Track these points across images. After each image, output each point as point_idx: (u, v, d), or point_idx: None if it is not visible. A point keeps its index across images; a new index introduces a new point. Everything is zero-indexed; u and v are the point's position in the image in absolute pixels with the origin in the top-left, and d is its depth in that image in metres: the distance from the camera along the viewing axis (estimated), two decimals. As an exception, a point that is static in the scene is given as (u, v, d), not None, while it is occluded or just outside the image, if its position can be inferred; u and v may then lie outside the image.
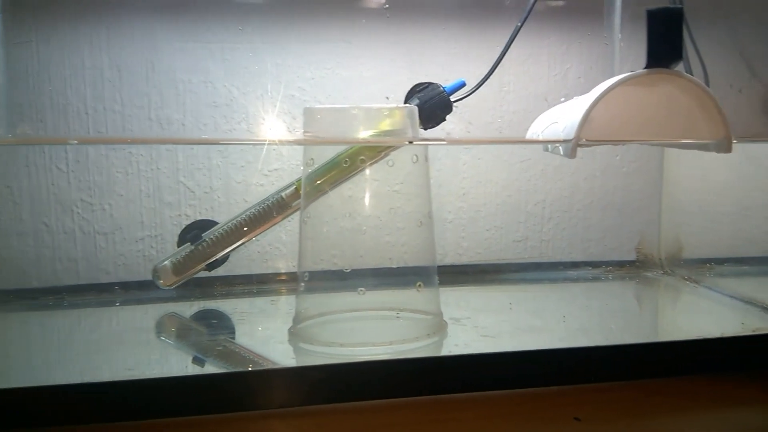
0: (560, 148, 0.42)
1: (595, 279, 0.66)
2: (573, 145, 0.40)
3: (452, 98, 0.60)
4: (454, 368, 0.40)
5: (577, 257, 0.72)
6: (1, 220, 0.64)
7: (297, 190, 0.57)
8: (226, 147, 0.69)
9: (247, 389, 0.38)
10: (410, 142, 0.45)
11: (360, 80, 0.71)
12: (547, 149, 0.46)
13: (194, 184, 0.68)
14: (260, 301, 0.59)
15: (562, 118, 0.43)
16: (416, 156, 0.46)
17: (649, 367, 0.41)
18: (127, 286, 0.63)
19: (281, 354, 0.46)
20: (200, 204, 0.68)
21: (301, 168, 0.55)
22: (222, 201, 0.69)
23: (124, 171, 0.67)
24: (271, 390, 0.38)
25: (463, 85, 0.61)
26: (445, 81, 0.59)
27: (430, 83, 0.59)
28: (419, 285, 0.46)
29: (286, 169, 0.69)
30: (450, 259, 0.70)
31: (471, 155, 0.72)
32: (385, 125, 0.48)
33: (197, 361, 0.45)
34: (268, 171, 0.69)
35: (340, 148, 0.49)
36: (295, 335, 0.47)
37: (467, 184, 0.71)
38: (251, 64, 0.69)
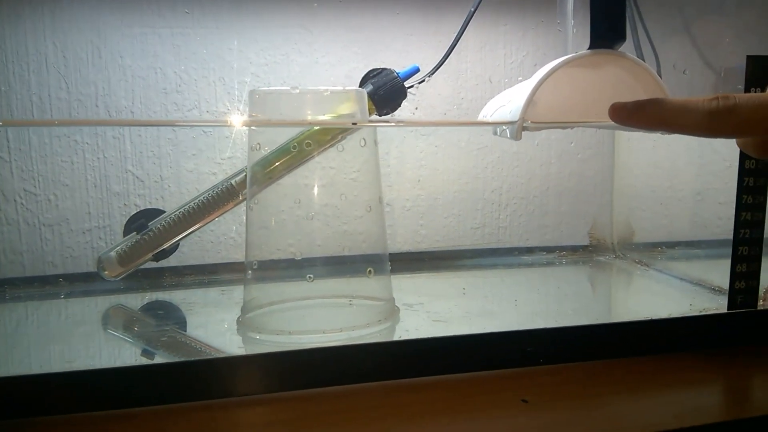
0: (507, 130, 0.42)
1: (549, 264, 0.66)
2: (518, 127, 0.39)
3: (407, 84, 0.59)
4: (403, 353, 0.39)
5: (534, 243, 0.72)
6: (-60, 212, 0.62)
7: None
8: (177, 135, 0.67)
9: (193, 379, 0.37)
10: (354, 124, 0.44)
11: (315, 66, 0.70)
12: (496, 133, 0.45)
13: (143, 173, 0.67)
14: (211, 292, 0.58)
15: (510, 101, 0.43)
16: (364, 140, 0.46)
17: (598, 349, 0.41)
18: (72, 278, 0.61)
19: (230, 344, 0.45)
20: (150, 193, 0.67)
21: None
22: (173, 190, 0.67)
23: (69, 160, 0.65)
24: (218, 379, 0.37)
25: (417, 70, 0.60)
26: (402, 67, 0.58)
27: (384, 69, 0.59)
28: (370, 271, 0.46)
29: (239, 157, 0.67)
30: (408, 247, 0.69)
31: (428, 143, 0.71)
32: (336, 109, 0.47)
33: (146, 353, 0.44)
34: (221, 159, 0.68)
35: (289, 134, 0.48)
36: (243, 325, 0.46)
37: (425, 171, 0.71)
38: (202, 49, 0.67)
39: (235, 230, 0.68)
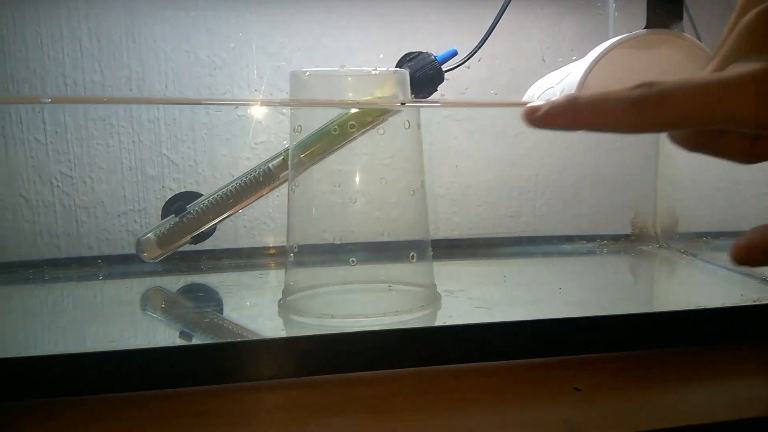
0: (558, 113, 0.40)
1: (590, 253, 0.65)
2: (572, 109, 0.38)
3: (444, 67, 0.58)
4: (450, 339, 0.39)
5: (571, 232, 0.71)
6: (-22, 193, 0.62)
7: (285, 161, 0.55)
8: (211, 119, 0.67)
9: (236, 360, 0.36)
10: (402, 104, 0.44)
11: (348, 51, 0.69)
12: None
13: (178, 157, 0.66)
14: (248, 276, 0.58)
15: (559, 83, 0.42)
16: (408, 122, 0.45)
17: (650, 338, 0.40)
18: (110, 260, 0.61)
19: (271, 326, 0.44)
20: (184, 177, 0.66)
21: (285, 140, 0.53)
22: (207, 174, 0.67)
23: (105, 143, 0.65)
24: (261, 361, 0.37)
25: (455, 53, 0.59)
26: (435, 52, 0.57)
27: (421, 52, 0.58)
28: (413, 256, 0.45)
29: (272, 141, 0.67)
30: (442, 234, 0.69)
31: (463, 128, 0.70)
32: (377, 91, 0.46)
33: (184, 335, 0.44)
34: (255, 144, 0.67)
35: (330, 115, 0.48)
36: (284, 308, 0.45)
37: (459, 158, 0.70)
38: (235, 33, 0.67)
39: (268, 215, 0.68)
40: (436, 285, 0.47)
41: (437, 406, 0.34)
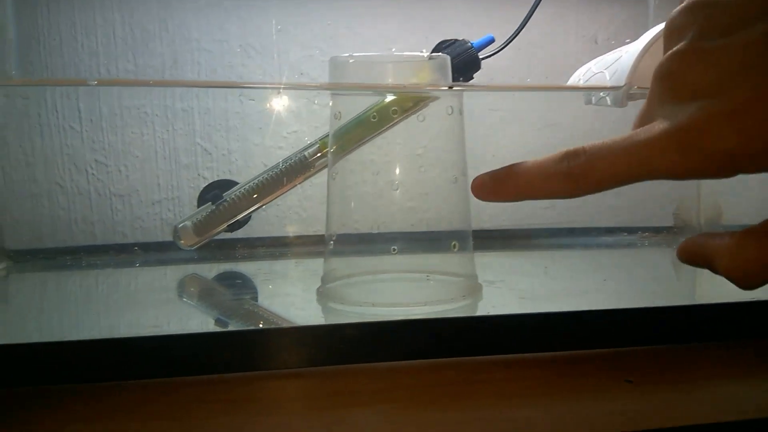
0: (608, 97, 0.39)
1: (631, 245, 0.63)
2: (624, 92, 0.37)
3: (480, 55, 0.57)
4: (496, 329, 0.38)
5: (609, 225, 0.69)
6: (15, 180, 0.62)
7: (321, 149, 0.55)
8: (244, 108, 0.67)
9: (276, 347, 0.36)
10: (450, 87, 0.43)
11: (381, 39, 0.68)
12: (590, 102, 0.43)
13: (211, 146, 0.66)
14: (284, 264, 0.57)
15: (609, 67, 0.41)
16: (451, 108, 0.44)
17: (701, 330, 0.39)
18: (146, 247, 0.61)
19: (310, 313, 0.44)
20: (218, 166, 0.66)
21: (317, 130, 0.53)
22: (240, 164, 0.67)
23: (140, 132, 0.65)
24: (302, 348, 0.36)
25: (492, 41, 0.58)
26: (470, 39, 0.56)
27: (457, 40, 0.57)
28: (454, 245, 0.44)
29: (305, 131, 0.67)
30: (476, 225, 0.67)
31: (497, 118, 0.69)
32: (418, 76, 0.45)
33: (220, 322, 0.43)
34: (287, 133, 0.67)
35: (369, 102, 0.47)
36: (323, 295, 0.45)
37: (492, 149, 0.69)
38: (268, 22, 0.66)
39: (300, 205, 0.68)
40: (477, 275, 0.46)
41: (485, 397, 0.33)
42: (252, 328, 0.38)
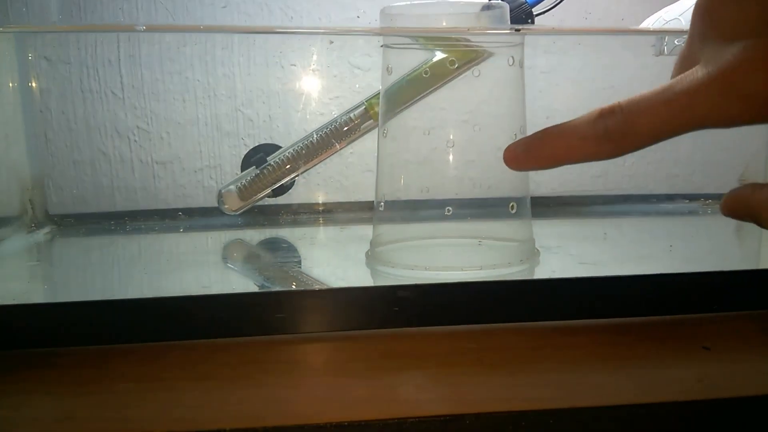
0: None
1: (693, 213, 0.59)
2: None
3: (534, 11, 0.54)
4: (561, 293, 0.35)
5: (668, 191, 0.65)
6: (58, 147, 0.62)
7: (367, 110, 0.53)
8: (285, 74, 0.65)
9: (325, 307, 0.34)
10: (517, 30, 0.40)
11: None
12: (661, 52, 0.40)
13: (253, 113, 0.64)
14: (329, 230, 0.56)
15: (683, 13, 0.37)
16: (512, 58, 0.41)
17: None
18: (190, 213, 0.60)
19: (359, 277, 0.42)
20: (259, 133, 0.64)
21: (359, 96, 0.50)
22: (281, 130, 0.65)
23: (181, 98, 0.63)
24: (351, 310, 0.35)
25: (547, -4, 0.55)
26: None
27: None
28: (512, 206, 0.42)
29: (347, 96, 0.64)
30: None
31: (547, 81, 0.66)
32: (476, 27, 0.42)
33: (264, 287, 0.42)
34: (329, 99, 0.65)
35: (422, 56, 0.44)
36: (372, 258, 0.43)
37: (542, 114, 0.65)
38: (309, -15, 0.64)
39: (341, 172, 0.66)
40: (534, 240, 0.43)
41: (554, 361, 0.31)
42: (301, 288, 0.37)
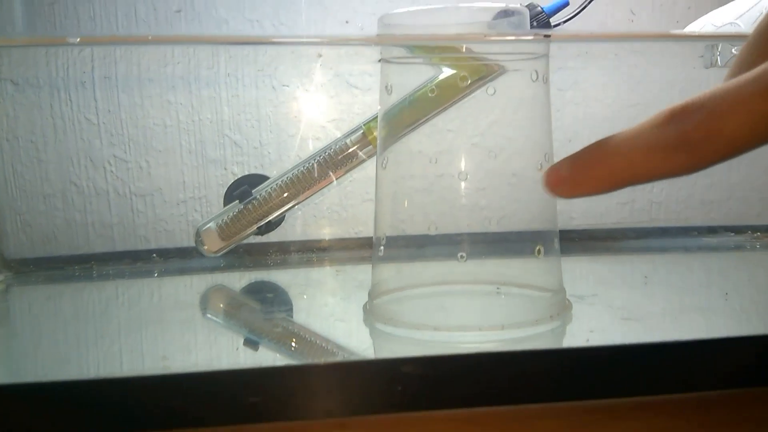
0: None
1: (740, 247, 0.51)
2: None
3: (553, 21, 0.48)
4: (604, 363, 0.27)
5: (696, 222, 0.57)
6: (26, 179, 0.55)
7: (365, 135, 0.45)
8: (277, 95, 0.58)
9: (312, 389, 0.27)
10: (546, 36, 0.32)
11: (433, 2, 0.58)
12: (713, 63, 0.32)
13: (241, 138, 0.57)
14: (322, 272, 0.48)
15: (741, 16, 0.30)
16: (536, 72, 0.33)
17: None
18: (166, 254, 0.53)
19: (354, 340, 0.34)
20: (248, 161, 0.57)
21: (359, 118, 0.43)
22: (273, 157, 0.57)
23: (162, 122, 0.56)
24: (343, 391, 0.27)
25: (566, 4, 0.48)
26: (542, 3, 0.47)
27: (524, 4, 0.47)
28: (538, 250, 0.34)
29: (345, 119, 0.57)
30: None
31: (565, 100, 0.58)
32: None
33: (249, 342, 0.34)
34: (326, 121, 0.58)
35: (427, 72, 0.37)
36: (371, 314, 0.35)
37: (562, 134, 0.58)
38: (303, -1, 0.57)
39: (340, 203, 0.58)
40: (564, 289, 0.35)
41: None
42: (279, 365, 0.29)
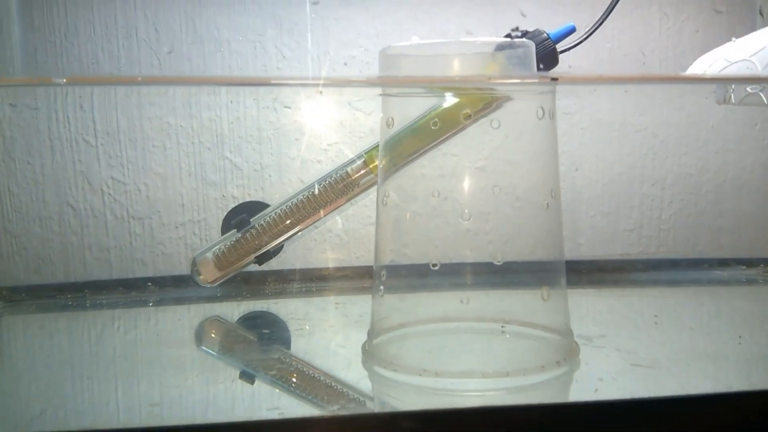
0: (762, 93, 0.26)
1: (752, 281, 0.49)
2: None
3: (559, 47, 0.46)
4: (616, 419, 0.26)
5: (706, 251, 0.55)
6: (22, 201, 0.53)
7: (366, 164, 0.44)
8: (278, 118, 0.56)
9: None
10: (554, 79, 0.31)
11: (434, 35, 0.56)
12: (725, 100, 0.30)
13: (242, 161, 0.56)
14: (323, 304, 0.46)
15: (756, 54, 0.28)
16: (542, 109, 0.32)
17: None
18: (162, 282, 0.51)
19: (353, 383, 0.32)
20: (249, 183, 0.56)
21: (361, 141, 0.42)
22: (274, 180, 0.56)
23: (162, 145, 0.55)
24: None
25: (572, 30, 0.47)
26: (551, 28, 0.45)
27: (534, 30, 0.45)
28: (545, 291, 0.32)
29: (347, 142, 0.56)
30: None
31: (571, 123, 0.57)
32: (491, 68, 0.33)
33: (245, 375, 0.32)
34: (327, 145, 0.56)
35: (428, 105, 0.35)
36: (370, 355, 0.33)
37: (568, 159, 0.56)
38: (305, 20, 0.55)
39: (342, 227, 0.56)
40: (572, 330, 0.33)
41: None
42: (275, 418, 0.27)
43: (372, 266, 0.36)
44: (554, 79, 0.30)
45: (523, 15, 0.56)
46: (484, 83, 0.32)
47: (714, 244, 0.56)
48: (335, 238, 0.56)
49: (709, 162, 0.57)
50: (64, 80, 0.41)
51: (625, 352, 0.33)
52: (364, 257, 0.56)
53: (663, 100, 0.57)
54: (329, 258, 0.54)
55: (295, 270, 0.52)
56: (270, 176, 0.56)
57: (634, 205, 0.57)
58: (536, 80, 0.31)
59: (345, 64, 0.56)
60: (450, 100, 0.37)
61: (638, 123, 0.56)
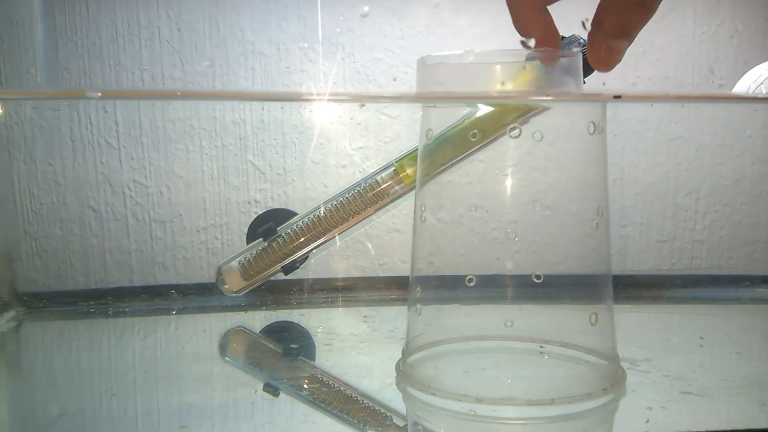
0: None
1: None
2: None
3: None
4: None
5: (740, 265, 0.53)
6: (42, 203, 0.52)
7: (396, 172, 0.42)
8: (302, 121, 0.54)
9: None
10: (617, 97, 0.29)
11: (460, 38, 0.54)
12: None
13: (265, 165, 0.54)
14: (349, 316, 0.44)
15: None
16: (593, 124, 0.30)
17: None
18: (185, 290, 0.50)
19: (386, 408, 0.31)
20: (271, 188, 0.54)
21: (386, 146, 0.40)
22: (297, 185, 0.54)
23: (185, 148, 0.53)
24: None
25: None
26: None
27: (564, 36, 0.43)
28: (593, 316, 0.30)
29: (372, 147, 0.54)
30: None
31: (608, 131, 0.54)
32: (532, 79, 0.31)
33: (269, 387, 0.31)
34: (352, 149, 0.54)
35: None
36: (405, 376, 0.32)
37: (610, 170, 0.54)
38: (330, 21, 0.54)
39: (365, 233, 0.55)
40: (618, 355, 0.31)
41: None
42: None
43: (396, 276, 0.34)
44: (617, 97, 0.28)
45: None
46: (531, 101, 0.30)
47: (750, 257, 0.54)
48: (358, 244, 0.55)
49: (745, 173, 0.55)
50: (99, 94, 0.39)
51: (673, 377, 0.31)
52: (387, 264, 0.54)
53: (698, 107, 0.55)
54: (354, 264, 0.53)
55: (319, 279, 0.50)
56: (293, 180, 0.54)
57: (667, 216, 0.55)
58: (598, 98, 0.29)
59: (368, 80, 0.54)
60: (484, 108, 0.35)
61: (673, 131, 0.54)
